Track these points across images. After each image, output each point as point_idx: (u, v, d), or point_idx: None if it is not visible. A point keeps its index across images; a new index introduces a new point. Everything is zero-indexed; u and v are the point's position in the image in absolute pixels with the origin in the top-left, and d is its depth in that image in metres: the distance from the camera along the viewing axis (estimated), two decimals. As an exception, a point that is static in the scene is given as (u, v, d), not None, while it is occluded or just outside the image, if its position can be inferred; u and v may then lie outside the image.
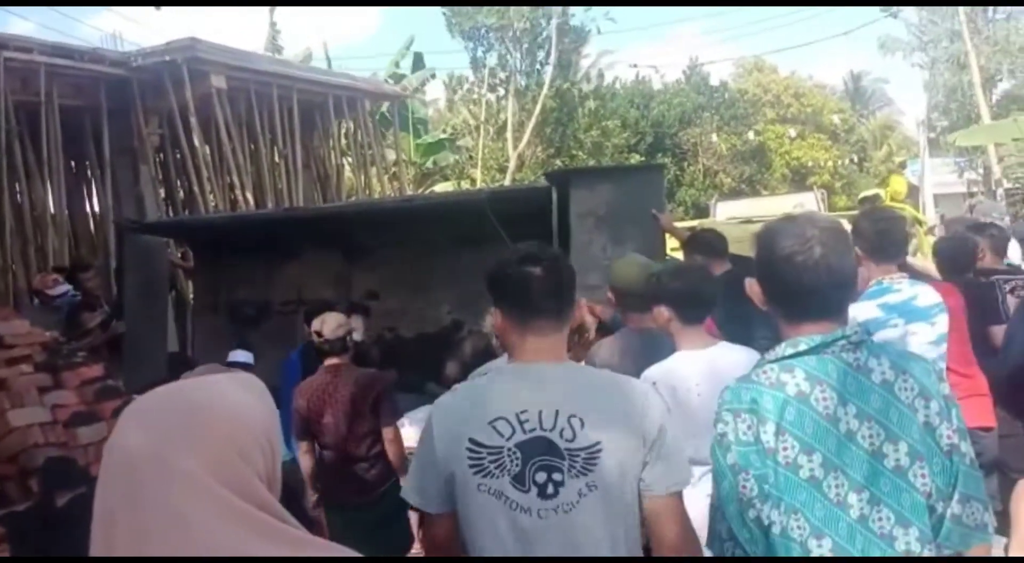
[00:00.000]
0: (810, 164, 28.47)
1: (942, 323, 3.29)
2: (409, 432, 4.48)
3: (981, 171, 21.70)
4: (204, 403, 1.08)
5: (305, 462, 4.25)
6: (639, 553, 1.96)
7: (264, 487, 1.08)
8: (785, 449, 1.62)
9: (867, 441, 1.63)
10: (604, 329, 3.92)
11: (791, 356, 1.70)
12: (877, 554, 1.60)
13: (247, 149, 10.77)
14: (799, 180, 27.42)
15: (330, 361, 4.19)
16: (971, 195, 23.92)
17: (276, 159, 11.49)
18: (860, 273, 1.79)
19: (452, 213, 6.05)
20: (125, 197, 9.73)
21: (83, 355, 5.30)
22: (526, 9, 18.59)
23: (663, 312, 2.96)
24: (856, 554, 1.60)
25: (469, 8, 18.66)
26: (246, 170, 10.48)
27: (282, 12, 16.10)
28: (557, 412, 1.86)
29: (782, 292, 1.76)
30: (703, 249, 4.53)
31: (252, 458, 1.07)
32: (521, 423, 1.86)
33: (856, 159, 32.69)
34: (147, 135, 9.73)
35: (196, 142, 9.72)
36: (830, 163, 29.41)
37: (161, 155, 10.42)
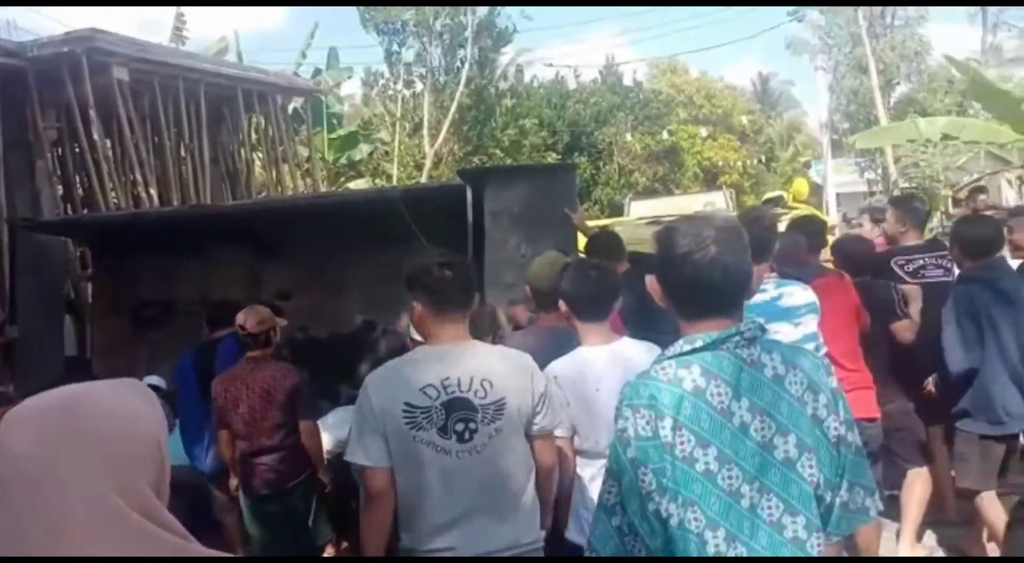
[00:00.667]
0: (720, 164, 29.21)
1: (809, 323, 3.43)
2: (324, 438, 4.42)
3: (880, 171, 22.72)
4: (95, 409, 1.06)
5: (225, 451, 4.32)
6: (531, 480, 2.60)
7: (153, 495, 1.06)
8: (682, 443, 1.65)
9: (759, 434, 1.68)
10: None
11: (688, 352, 1.73)
12: (766, 543, 1.65)
13: (151, 144, 10.39)
14: (710, 179, 28.13)
15: (252, 353, 4.26)
16: (871, 194, 25.05)
17: (182, 154, 11.12)
18: (754, 272, 1.83)
19: (366, 211, 5.97)
20: (19, 193, 9.24)
21: (-29, 361, 5.05)
22: (445, 7, 18.52)
23: (563, 308, 3.03)
24: (746, 542, 1.64)
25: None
26: (150, 165, 10.11)
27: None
28: (472, 378, 2.48)
29: (679, 290, 1.79)
30: (600, 252, 4.58)
31: (143, 465, 1.06)
32: (445, 388, 2.46)
33: (764, 159, 33.70)
34: (43, 129, 9.28)
35: (96, 136, 9.32)
36: (739, 163, 30.24)
37: (59, 150, 9.95)
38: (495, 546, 2.50)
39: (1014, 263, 4.85)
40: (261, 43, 63.22)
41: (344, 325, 6.29)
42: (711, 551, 1.63)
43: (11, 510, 1.01)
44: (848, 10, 22.24)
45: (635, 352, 2.87)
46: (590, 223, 6.44)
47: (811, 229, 4.59)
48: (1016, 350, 3.96)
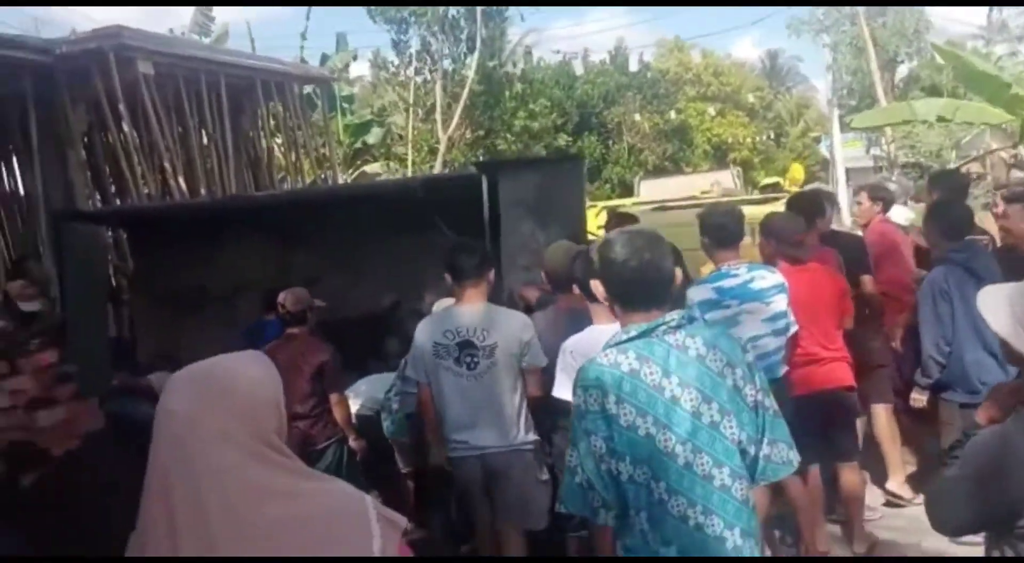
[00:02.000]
0: (730, 141, 29.37)
1: (779, 302, 3.86)
2: (357, 401, 4.91)
3: (889, 147, 22.87)
4: (231, 375, 1.42)
5: None
6: (519, 400, 3.78)
7: (277, 438, 1.43)
8: (625, 414, 2.08)
9: (688, 404, 2.09)
10: (536, 307, 4.42)
11: (625, 341, 2.17)
12: (700, 492, 2.06)
13: (176, 134, 10.78)
14: (720, 156, 28.31)
15: (290, 330, 4.75)
16: (878, 170, 25.16)
17: (205, 142, 11.51)
18: (676, 273, 2.28)
19: (389, 200, 6.37)
20: (53, 184, 9.67)
21: (37, 342, 5.47)
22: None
23: (597, 286, 3.39)
24: (685, 492, 2.06)
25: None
26: (176, 155, 10.51)
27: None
28: (476, 327, 3.74)
29: (619, 288, 2.25)
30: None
31: (269, 416, 1.42)
32: (458, 332, 3.75)
33: (774, 135, 33.80)
34: (74, 122, 9.70)
35: (125, 128, 9.71)
36: (749, 139, 30.40)
37: (88, 141, 10.37)
38: (491, 442, 3.74)
39: None
40: (266, 30, 63.09)
41: (369, 306, 6.70)
42: (656, 499, 2.06)
43: (156, 462, 1.34)
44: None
45: None
46: (599, 203, 6.82)
47: (807, 208, 4.87)
48: None
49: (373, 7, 19.20)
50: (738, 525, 2.07)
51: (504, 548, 3.87)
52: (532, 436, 3.84)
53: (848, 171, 25.66)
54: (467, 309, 3.77)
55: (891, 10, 22.81)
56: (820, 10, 23.27)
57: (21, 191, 10.13)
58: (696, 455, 2.08)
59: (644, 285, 2.19)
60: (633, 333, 2.16)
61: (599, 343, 3.27)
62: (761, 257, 4.38)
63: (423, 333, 3.83)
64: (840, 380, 4.24)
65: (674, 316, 2.18)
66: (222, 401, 1.39)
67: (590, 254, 3.67)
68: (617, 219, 5.27)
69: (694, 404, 2.10)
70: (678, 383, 2.09)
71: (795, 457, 2.21)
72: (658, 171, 23.00)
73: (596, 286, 2.32)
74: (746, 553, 2.09)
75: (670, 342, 2.13)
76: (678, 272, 3.31)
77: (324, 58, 19.88)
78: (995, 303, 1.89)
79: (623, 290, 2.24)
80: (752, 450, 2.15)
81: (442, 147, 19.67)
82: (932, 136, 17.17)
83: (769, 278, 3.89)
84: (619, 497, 2.10)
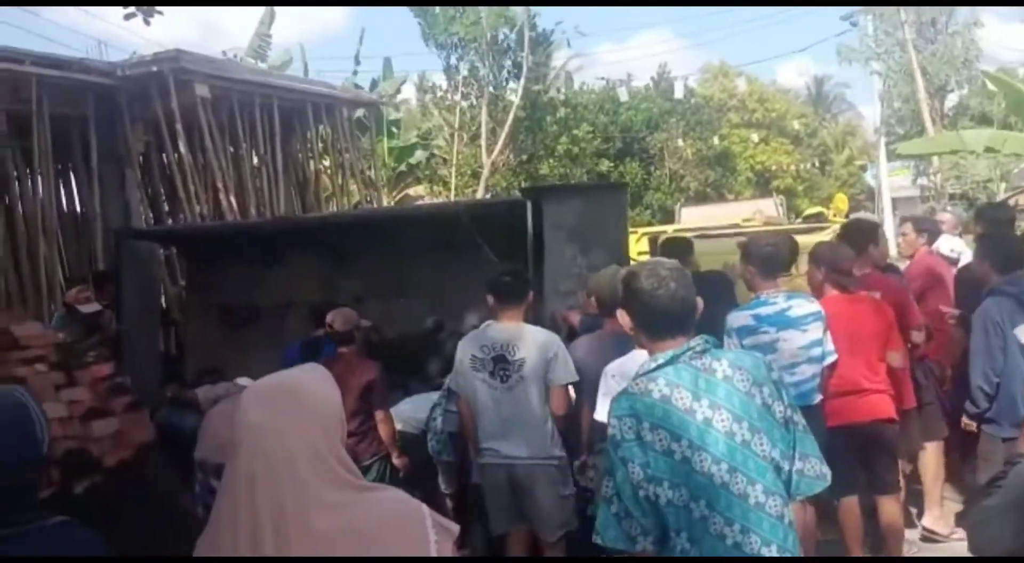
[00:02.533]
0: (773, 168, 29.22)
1: (815, 330, 3.94)
2: (402, 420, 5.04)
3: (935, 177, 22.58)
4: (300, 389, 1.53)
5: None
6: (546, 415, 4.01)
7: (343, 448, 1.53)
8: (660, 440, 2.14)
9: (720, 425, 2.15)
10: (577, 331, 4.52)
11: (653, 369, 2.23)
12: (738, 511, 2.11)
13: (228, 155, 11.10)
14: (763, 184, 28.17)
15: (341, 349, 4.93)
16: (925, 200, 24.79)
17: (256, 164, 11.82)
18: (698, 302, 2.35)
19: (432, 222, 6.50)
20: (111, 202, 10.03)
21: (93, 355, 5.69)
22: (496, 18, 19.01)
23: (623, 316, 3.49)
24: (722, 512, 2.11)
25: (441, 18, 19.05)
26: (228, 175, 10.82)
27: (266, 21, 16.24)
28: (508, 343, 4.03)
29: (646, 318, 2.33)
30: (671, 254, 5.02)
31: (335, 429, 1.53)
32: (493, 347, 4.06)
33: (818, 163, 33.55)
34: (133, 142, 10.05)
35: (181, 148, 10.03)
36: (793, 167, 30.20)
37: (144, 161, 10.72)
38: (518, 453, 4.00)
39: None
40: (322, 52, 64.81)
41: (413, 327, 6.82)
42: (695, 518, 2.12)
43: (243, 471, 1.43)
44: (896, 17, 22.06)
45: None
46: (640, 230, 6.89)
47: (858, 237, 4.90)
48: None
49: (426, 31, 19.59)
50: (774, 542, 2.12)
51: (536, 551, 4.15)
52: (559, 451, 4.05)
53: (894, 200, 25.50)
54: (503, 327, 4.10)
55: (941, 37, 22.59)
56: (871, 37, 23.09)
57: (78, 209, 10.50)
58: (731, 475, 2.13)
59: (670, 314, 2.28)
60: (661, 361, 2.23)
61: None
62: (809, 285, 4.41)
63: (463, 347, 4.17)
64: (881, 412, 4.24)
65: (698, 341, 2.25)
66: (300, 412, 1.48)
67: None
68: (669, 244, 5.32)
69: (726, 425, 2.16)
70: (708, 405, 2.16)
71: (827, 471, 2.26)
72: (699, 198, 22.95)
73: (622, 316, 2.40)
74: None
75: (697, 366, 2.20)
76: (766, 285, 3.93)
77: (374, 83, 20.30)
78: None
79: (651, 319, 2.32)
80: (785, 466, 2.20)
81: (485, 171, 19.90)
82: (980, 167, 16.93)
83: (806, 306, 3.97)
84: (658, 521, 2.15)
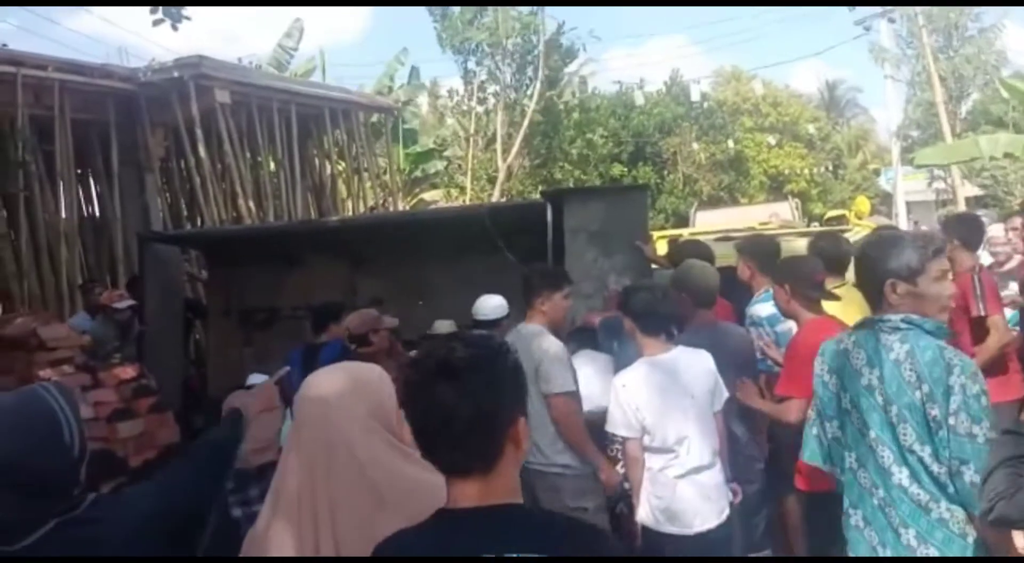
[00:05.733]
0: (787, 172, 29.10)
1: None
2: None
3: (950, 181, 22.46)
4: (356, 376, 1.68)
5: None
6: (550, 425, 3.77)
7: (394, 424, 1.64)
8: (833, 384, 2.47)
9: (879, 398, 2.34)
10: (597, 333, 4.52)
11: (852, 330, 2.50)
12: (880, 481, 2.28)
13: (247, 160, 11.19)
14: (777, 188, 28.04)
15: (360, 351, 4.77)
16: (942, 204, 24.66)
17: (273, 169, 11.92)
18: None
19: (453, 225, 6.53)
20: (131, 206, 10.14)
21: (118, 357, 5.76)
22: (516, 25, 19.08)
23: (627, 323, 3.57)
24: (870, 473, 2.31)
25: (459, 22, 19.13)
26: (247, 179, 10.91)
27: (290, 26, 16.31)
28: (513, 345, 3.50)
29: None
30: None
31: (393, 408, 1.64)
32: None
33: (831, 167, 33.39)
34: (153, 147, 10.16)
35: (201, 153, 10.12)
36: (806, 171, 30.06)
37: (164, 166, 10.83)
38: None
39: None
40: (342, 58, 65.58)
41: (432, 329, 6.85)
42: (849, 466, 2.37)
43: (304, 442, 1.58)
44: (918, 22, 22.00)
45: (688, 359, 3.48)
46: (654, 234, 6.89)
47: (828, 253, 4.33)
48: None
49: (443, 37, 19.67)
50: (914, 528, 2.20)
51: None
52: (563, 459, 3.80)
53: (909, 204, 25.35)
54: (517, 329, 4.05)
55: (964, 43, 22.52)
56: (904, 40, 23.05)
57: (97, 213, 10.61)
58: (879, 445, 2.29)
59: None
60: (860, 322, 2.46)
61: (650, 377, 3.41)
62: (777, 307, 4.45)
63: None
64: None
65: (894, 317, 2.32)
66: (365, 388, 1.64)
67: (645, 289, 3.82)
68: (682, 246, 5.32)
69: (881, 401, 2.30)
70: (877, 377, 2.32)
71: (976, 484, 2.09)
72: (713, 202, 22.89)
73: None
74: (918, 553, 2.19)
75: (882, 340, 2.34)
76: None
77: (390, 89, 20.37)
78: None
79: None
80: (936, 469, 2.20)
81: (501, 175, 19.94)
82: (1003, 171, 16.83)
83: None
84: (835, 447, 2.46)
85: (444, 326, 5.39)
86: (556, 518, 1.49)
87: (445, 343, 1.42)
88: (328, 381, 1.65)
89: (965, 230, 4.64)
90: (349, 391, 1.61)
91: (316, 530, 1.52)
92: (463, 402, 1.35)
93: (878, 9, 21.60)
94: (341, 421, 1.57)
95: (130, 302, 6.59)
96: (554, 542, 1.33)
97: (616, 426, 3.43)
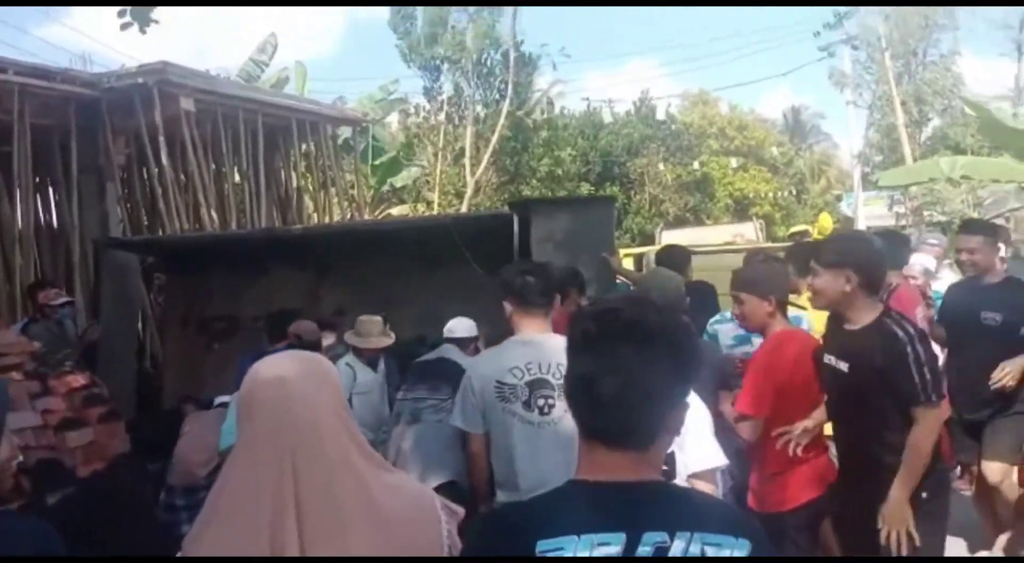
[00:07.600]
0: (751, 195, 29.49)
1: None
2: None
3: (910, 204, 22.91)
4: (313, 361, 1.53)
5: None
6: None
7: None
8: None
9: None
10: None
11: None
12: None
13: (210, 169, 11.03)
14: (741, 210, 28.38)
15: None
16: (902, 228, 25.14)
17: (238, 180, 11.75)
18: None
19: (417, 235, 6.48)
20: (90, 214, 9.91)
21: (69, 364, 5.58)
22: (481, 40, 19.15)
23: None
24: None
25: (422, 37, 19.17)
26: (210, 189, 10.74)
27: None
28: (550, 363, 3.02)
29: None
30: (667, 263, 4.96)
31: (343, 400, 1.54)
32: (528, 370, 3.05)
33: (795, 191, 33.91)
34: (114, 154, 9.96)
35: (164, 161, 9.94)
36: (770, 194, 30.51)
37: (125, 173, 10.63)
38: None
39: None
40: (317, 73, 65.24)
41: (396, 339, 6.74)
42: None
43: (260, 425, 1.41)
44: (881, 45, 22.50)
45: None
46: (621, 252, 6.90)
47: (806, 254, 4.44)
48: None
49: (407, 54, 19.68)
50: None
51: None
52: None
53: (870, 229, 25.79)
54: (533, 339, 3.13)
55: (924, 68, 23.06)
56: (863, 65, 23.54)
57: (56, 220, 10.37)
58: None
59: None
60: None
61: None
62: (751, 321, 4.32)
63: (480, 374, 3.17)
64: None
65: None
66: (326, 373, 1.50)
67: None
68: (664, 250, 5.32)
69: None
70: None
71: None
72: (679, 222, 23.10)
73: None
74: None
75: None
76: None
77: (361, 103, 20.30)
78: None
79: None
80: None
81: (469, 190, 19.94)
82: (955, 194, 17.25)
83: None
84: None
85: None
86: (711, 500, 1.40)
87: (631, 300, 1.30)
88: (282, 361, 1.48)
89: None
90: (308, 372, 1.46)
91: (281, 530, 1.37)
92: (647, 371, 1.23)
93: (843, 34, 22.07)
94: (304, 402, 1.41)
95: (65, 299, 6.44)
96: (731, 525, 1.24)
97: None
